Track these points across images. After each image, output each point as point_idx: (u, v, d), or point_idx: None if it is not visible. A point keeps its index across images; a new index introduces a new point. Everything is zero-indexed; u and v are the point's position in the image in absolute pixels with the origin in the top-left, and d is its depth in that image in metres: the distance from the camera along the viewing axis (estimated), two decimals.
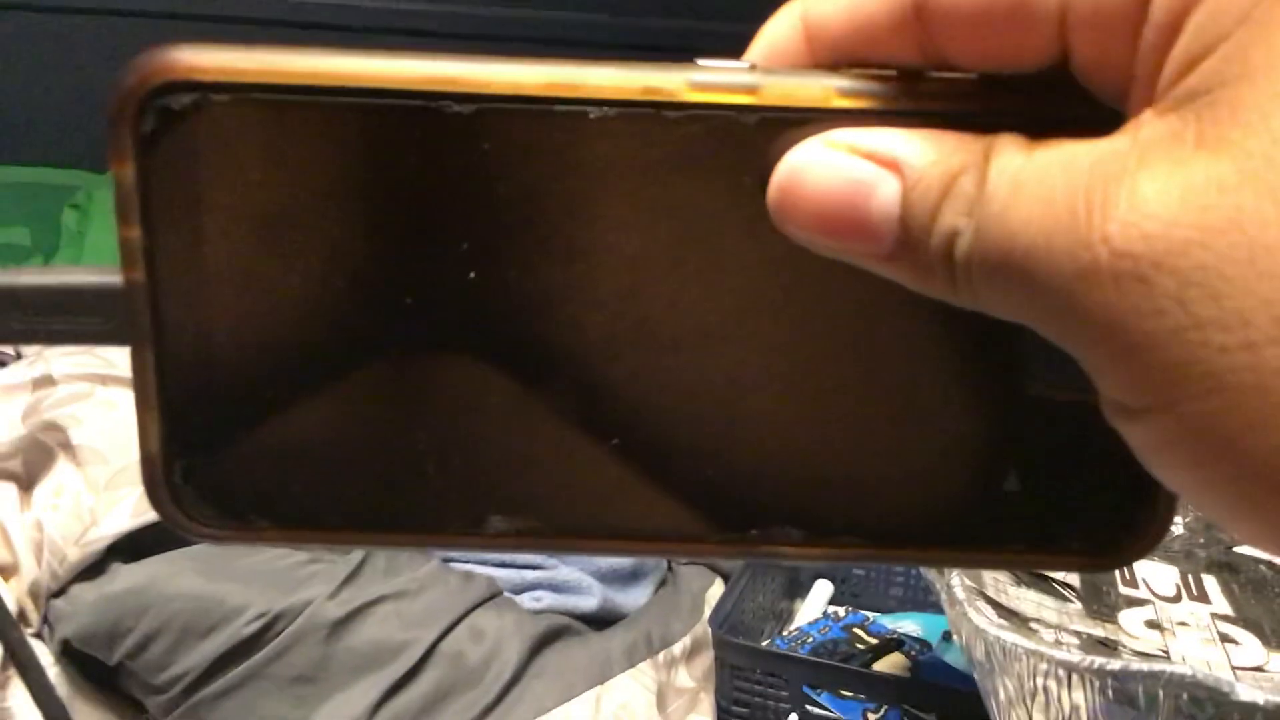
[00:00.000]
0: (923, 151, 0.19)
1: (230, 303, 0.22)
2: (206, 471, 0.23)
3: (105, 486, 1.08)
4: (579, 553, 0.25)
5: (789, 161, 0.20)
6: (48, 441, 1.11)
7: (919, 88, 0.20)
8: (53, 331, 0.23)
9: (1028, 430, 0.23)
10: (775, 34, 0.22)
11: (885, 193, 0.19)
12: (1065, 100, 0.19)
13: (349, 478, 0.23)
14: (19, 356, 1.44)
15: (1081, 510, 0.23)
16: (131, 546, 1.08)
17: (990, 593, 0.73)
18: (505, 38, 2.26)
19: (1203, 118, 0.16)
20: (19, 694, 0.98)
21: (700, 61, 0.21)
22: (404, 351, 0.22)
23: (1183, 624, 0.74)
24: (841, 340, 0.22)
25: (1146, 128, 0.17)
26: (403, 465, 0.23)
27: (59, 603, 1.06)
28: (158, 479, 0.23)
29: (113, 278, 0.22)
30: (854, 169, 0.19)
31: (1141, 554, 0.23)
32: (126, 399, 1.15)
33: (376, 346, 0.22)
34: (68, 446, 1.11)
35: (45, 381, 1.15)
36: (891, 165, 0.19)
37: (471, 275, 0.22)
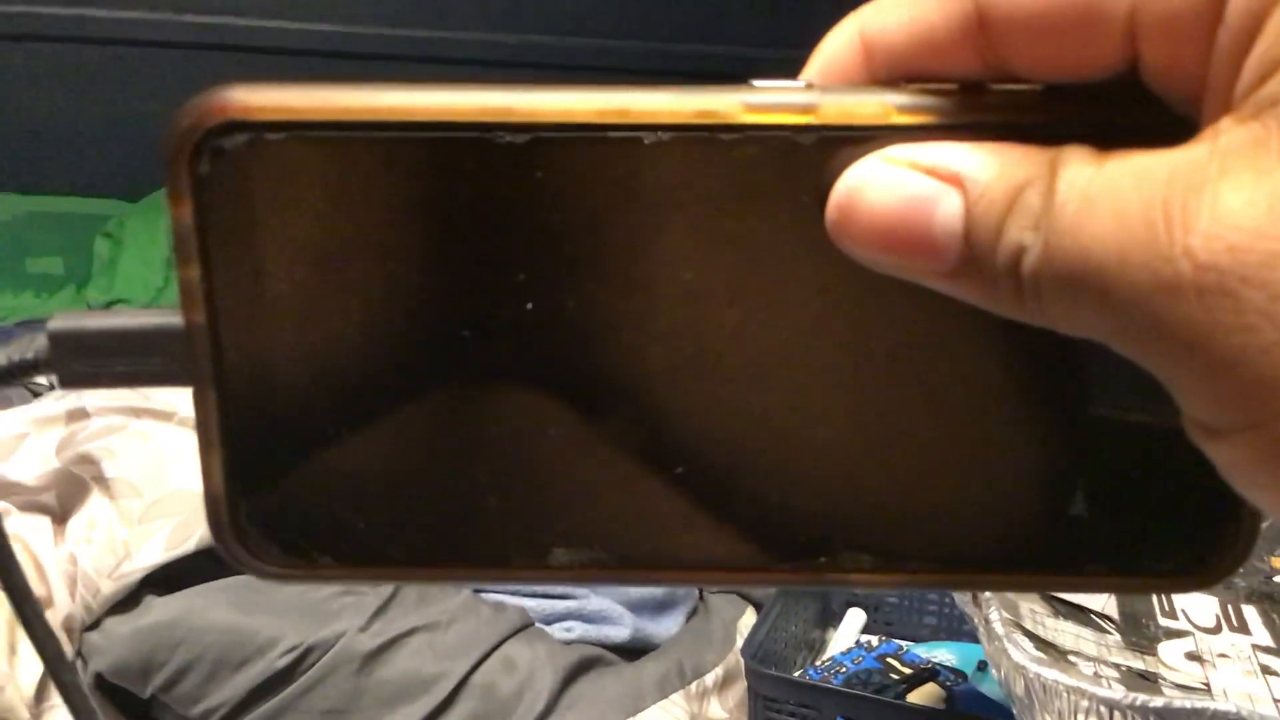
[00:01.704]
0: (986, 165, 0.18)
1: (290, 340, 0.22)
2: (271, 510, 0.23)
3: (139, 520, 1.09)
4: (644, 584, 0.25)
5: (848, 179, 0.19)
6: (81, 474, 1.12)
7: (981, 101, 0.20)
8: (116, 374, 0.23)
9: (1102, 450, 0.22)
10: (832, 50, 0.21)
11: (948, 208, 0.18)
12: (1135, 109, 0.19)
13: (411, 513, 0.23)
14: (53, 387, 1.45)
15: (1162, 530, 0.22)
16: (165, 579, 1.08)
17: (1028, 625, 0.72)
18: (520, 64, 2.27)
19: None
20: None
21: (755, 82, 0.20)
22: (463, 384, 0.22)
23: (1223, 655, 0.73)
24: (906, 363, 0.22)
25: (1226, 135, 0.16)
26: (464, 499, 0.23)
27: (93, 636, 1.06)
28: (223, 520, 0.23)
29: (174, 319, 0.22)
30: (915, 185, 0.19)
31: (1227, 573, 0.22)
32: (160, 431, 1.16)
33: (436, 380, 0.22)
34: (101, 479, 1.12)
35: (79, 414, 1.16)
36: (954, 180, 0.18)
37: (529, 306, 0.21)
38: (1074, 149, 0.18)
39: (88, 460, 1.12)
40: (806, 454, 0.22)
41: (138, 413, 1.16)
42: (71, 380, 0.23)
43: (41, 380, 1.49)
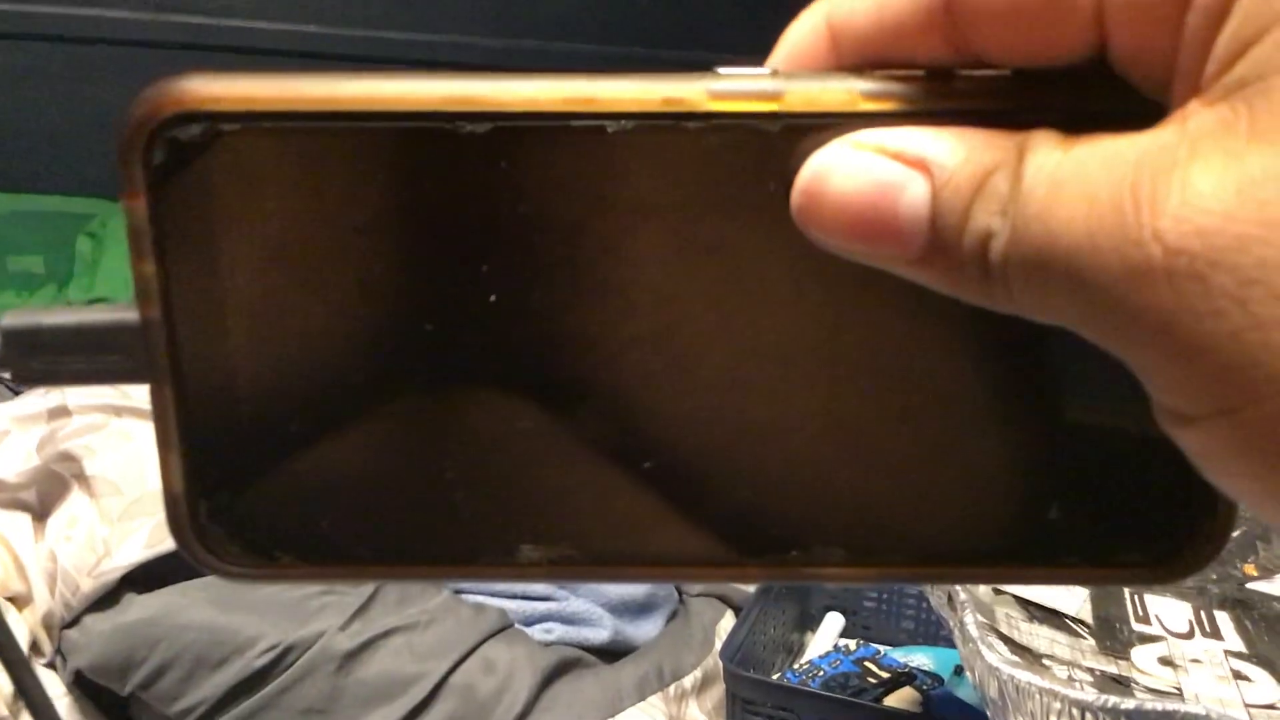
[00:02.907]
0: (952, 150, 0.18)
1: (250, 336, 0.21)
2: (232, 509, 0.22)
3: (119, 517, 1.09)
4: (614, 580, 0.25)
5: (813, 164, 0.19)
6: (62, 472, 1.12)
7: (948, 86, 0.19)
8: (74, 371, 0.22)
9: (1074, 442, 0.22)
10: (798, 37, 0.21)
11: (914, 193, 0.18)
12: (1103, 93, 0.18)
13: (376, 511, 0.22)
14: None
15: (1136, 521, 0.22)
16: (145, 577, 1.08)
17: (1003, 629, 0.73)
18: (503, 68, 2.26)
19: (1255, 107, 0.16)
20: None
21: (720, 70, 0.20)
22: (427, 379, 0.22)
23: (1196, 661, 0.73)
24: (877, 356, 0.21)
25: (1195, 119, 0.16)
26: (430, 496, 0.22)
27: (72, 633, 1.06)
28: (182, 518, 0.22)
29: (130, 315, 0.21)
30: (881, 170, 0.18)
31: (1203, 563, 0.22)
32: (141, 430, 1.16)
33: (399, 375, 0.22)
34: (82, 477, 1.11)
35: (60, 412, 1.16)
36: (920, 165, 0.18)
37: (493, 299, 0.21)
38: (1042, 133, 0.18)
39: (69, 458, 1.12)
40: (777, 448, 0.22)
41: (119, 411, 1.16)
42: (27, 377, 0.23)
43: None
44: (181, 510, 0.22)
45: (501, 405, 0.22)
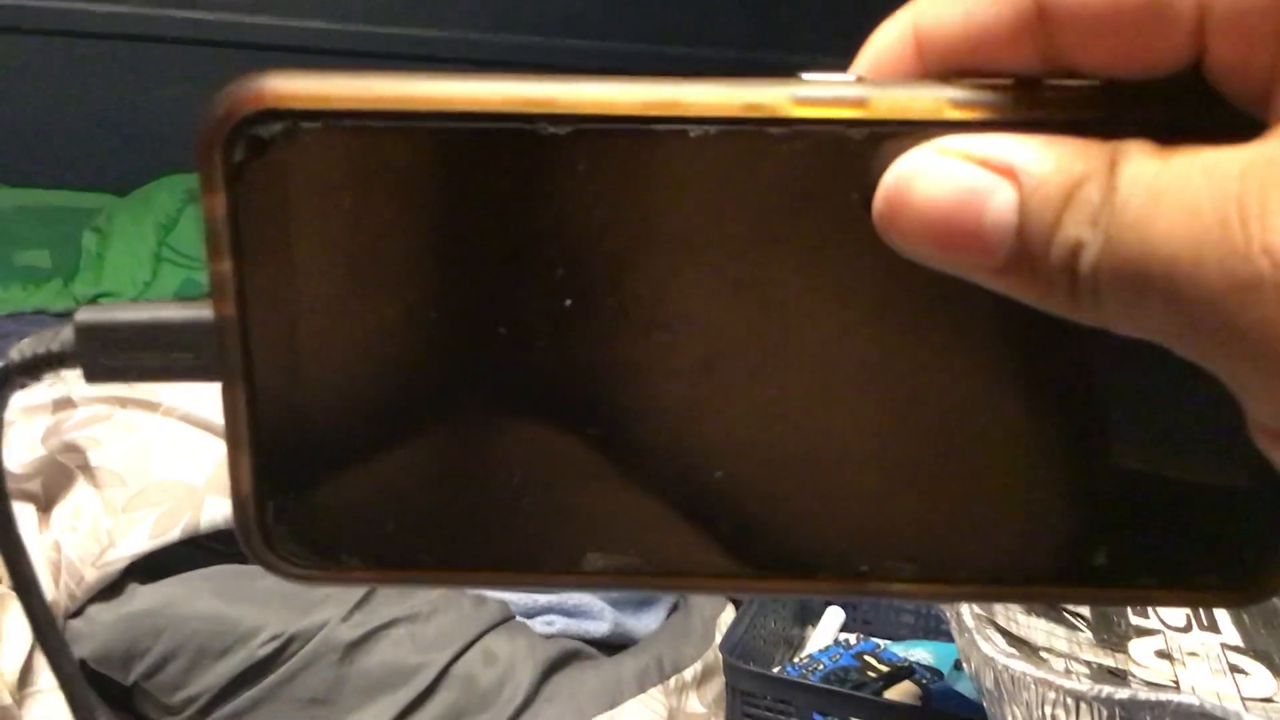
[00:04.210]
0: (1041, 158, 0.18)
1: (322, 336, 0.21)
2: (298, 511, 0.22)
3: (123, 508, 1.09)
4: (680, 591, 0.24)
5: (898, 169, 0.19)
6: (67, 463, 1.12)
7: (1038, 96, 0.19)
8: (143, 368, 0.22)
9: (1152, 463, 0.21)
10: (883, 44, 0.20)
11: (1001, 201, 0.18)
12: (1197, 105, 0.18)
13: (442, 516, 0.22)
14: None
15: (1213, 543, 0.21)
16: (148, 568, 1.08)
17: (1000, 621, 0.73)
18: (511, 64, 2.27)
19: None
20: (36, 712, 0.98)
21: (804, 76, 0.20)
22: (499, 384, 0.21)
23: (1193, 654, 0.74)
24: (954, 369, 0.21)
25: None
26: (497, 502, 0.22)
27: (76, 623, 1.06)
28: (250, 520, 0.22)
29: (204, 313, 0.21)
30: (967, 176, 0.18)
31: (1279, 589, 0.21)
32: (146, 421, 1.16)
33: (470, 379, 0.21)
34: (86, 468, 1.12)
35: (65, 403, 1.16)
36: (1007, 172, 0.18)
37: (569, 303, 0.21)
38: (1135, 143, 0.17)
39: (73, 449, 1.12)
40: (851, 462, 0.21)
41: (123, 402, 1.16)
42: (97, 374, 0.23)
43: None
44: (249, 510, 0.22)
45: (572, 411, 0.22)
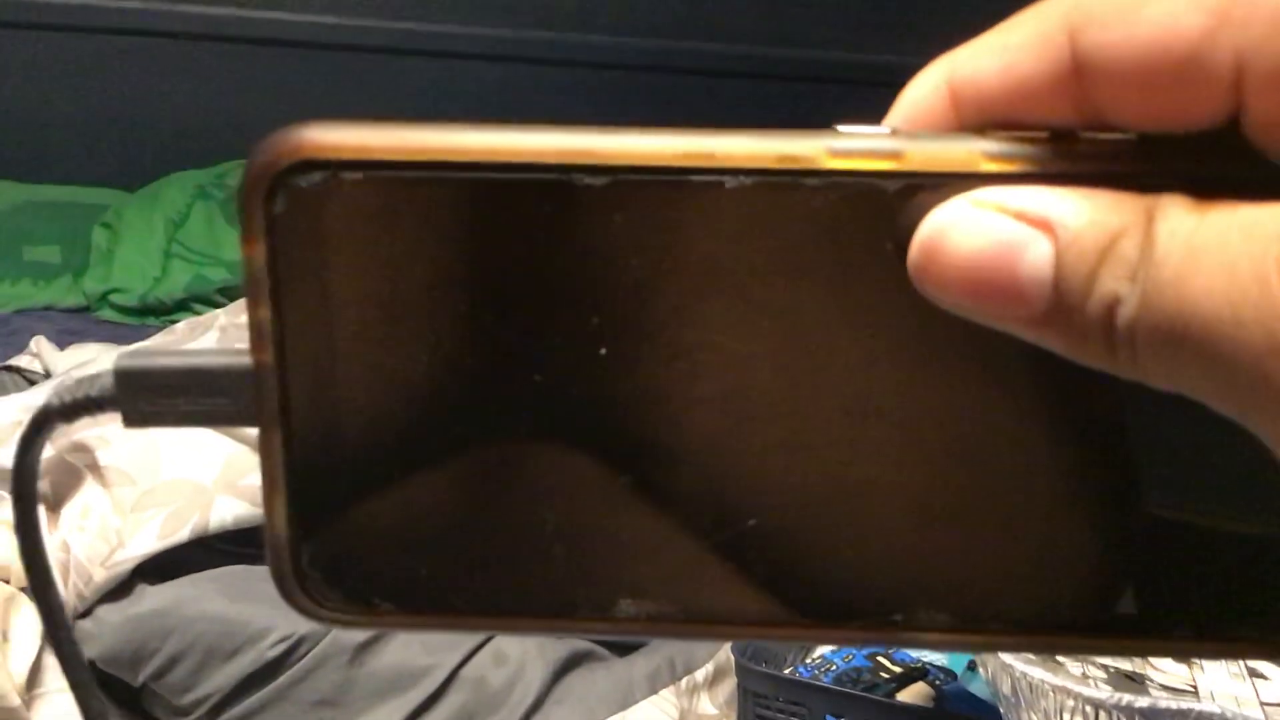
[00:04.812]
0: (1078, 211, 0.18)
1: (359, 384, 0.21)
2: (333, 555, 0.22)
3: (132, 508, 1.09)
4: (713, 639, 0.24)
5: (933, 221, 0.19)
6: (75, 463, 1.12)
7: (1073, 149, 0.19)
8: (181, 413, 0.23)
9: (1191, 510, 0.21)
10: (918, 96, 0.20)
11: (1037, 254, 0.18)
12: (1234, 161, 0.18)
13: (476, 562, 0.22)
14: (48, 375, 1.45)
15: (1253, 594, 0.21)
16: (157, 568, 1.08)
17: None
18: (515, 59, 2.27)
19: None
20: (45, 713, 0.98)
21: (840, 127, 0.20)
22: (532, 431, 0.22)
23: None
24: (988, 419, 0.21)
25: None
26: (530, 549, 0.22)
27: (85, 624, 1.06)
28: (285, 563, 0.22)
29: (242, 360, 0.22)
30: (1002, 229, 0.18)
31: None
32: None
33: (505, 427, 0.22)
34: (95, 468, 1.12)
35: None
36: (1043, 225, 0.18)
37: (603, 352, 0.21)
38: (1172, 197, 0.17)
39: (82, 448, 1.12)
40: (884, 511, 0.22)
41: None
42: (136, 419, 0.23)
43: (37, 369, 1.49)
44: (284, 555, 0.22)
45: (605, 459, 0.22)
